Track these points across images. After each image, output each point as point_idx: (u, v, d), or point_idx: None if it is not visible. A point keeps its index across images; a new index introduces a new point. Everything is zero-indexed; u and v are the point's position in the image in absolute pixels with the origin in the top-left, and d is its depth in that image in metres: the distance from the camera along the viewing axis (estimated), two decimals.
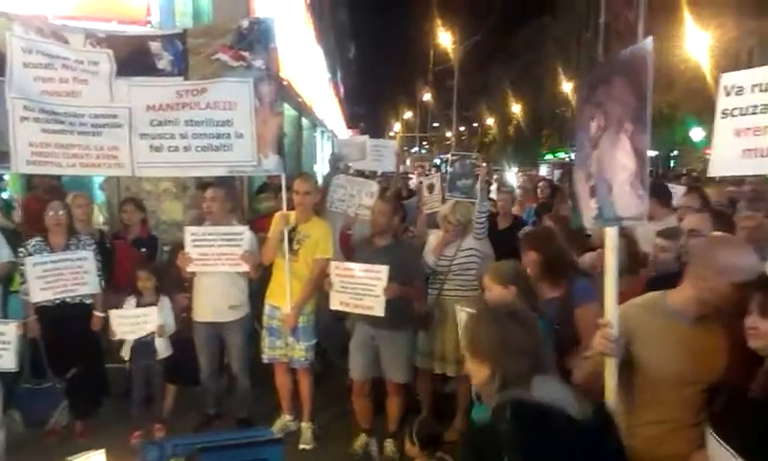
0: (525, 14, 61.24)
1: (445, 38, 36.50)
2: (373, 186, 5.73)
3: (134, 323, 4.68)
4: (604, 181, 2.41)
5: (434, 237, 4.92)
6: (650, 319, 2.43)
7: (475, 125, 67.56)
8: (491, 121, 62.05)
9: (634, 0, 13.46)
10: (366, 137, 6.81)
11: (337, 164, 6.12)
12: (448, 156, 6.59)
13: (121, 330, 4.68)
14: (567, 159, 38.68)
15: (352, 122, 48.38)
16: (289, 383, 4.90)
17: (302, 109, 14.69)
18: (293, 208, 4.71)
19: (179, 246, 4.83)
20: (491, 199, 7.25)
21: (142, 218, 5.65)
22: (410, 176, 13.75)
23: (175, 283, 4.97)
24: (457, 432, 4.71)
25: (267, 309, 4.80)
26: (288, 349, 4.74)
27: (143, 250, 5.46)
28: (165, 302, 4.83)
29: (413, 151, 53.93)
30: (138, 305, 4.78)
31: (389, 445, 4.61)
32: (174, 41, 4.36)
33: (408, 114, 69.07)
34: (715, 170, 2.99)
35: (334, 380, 5.51)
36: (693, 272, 2.38)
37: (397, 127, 70.25)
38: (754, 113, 2.75)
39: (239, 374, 4.92)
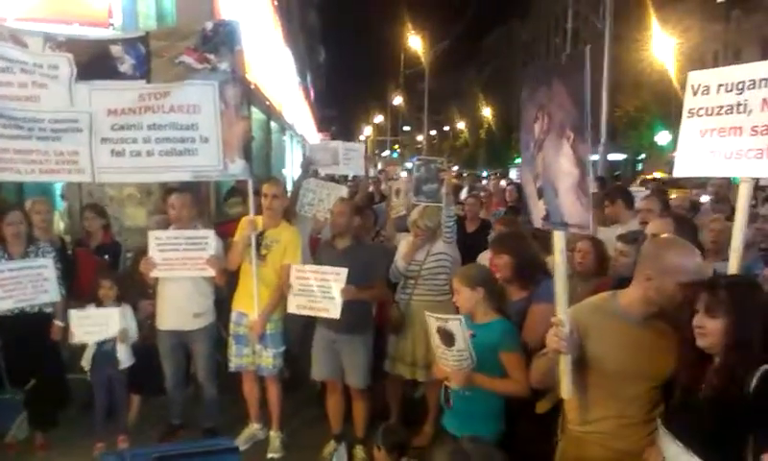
0: (495, 20, 62.08)
1: (416, 42, 36.65)
2: (343, 191, 5.71)
3: (95, 324, 4.54)
4: (550, 184, 2.45)
5: (404, 243, 4.93)
6: (601, 318, 2.52)
7: (446, 128, 68.04)
8: (462, 125, 62.56)
9: (601, 6, 13.73)
10: (339, 142, 6.79)
11: (308, 169, 6.09)
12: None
13: (80, 332, 4.52)
14: None
15: (323, 125, 48.36)
16: (257, 392, 4.83)
17: (271, 112, 14.60)
18: (262, 213, 4.66)
19: (142, 252, 4.73)
20: (459, 203, 7.32)
21: (104, 224, 5.52)
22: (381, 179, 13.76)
23: (139, 290, 4.87)
24: (427, 437, 4.72)
25: (234, 316, 4.72)
26: (256, 356, 4.67)
27: (106, 257, 5.34)
28: (127, 310, 4.71)
29: (384, 154, 54.08)
30: None
31: (358, 451, 4.59)
32: (136, 44, 4.26)
33: (379, 118, 69.26)
34: (680, 170, 2.97)
35: (304, 388, 5.45)
36: (640, 272, 2.46)
37: (369, 130, 70.42)
38: (719, 114, 2.70)
39: (205, 383, 4.82)
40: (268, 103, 12.95)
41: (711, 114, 2.73)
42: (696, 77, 2.87)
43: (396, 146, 65.65)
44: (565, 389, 2.44)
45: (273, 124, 16.46)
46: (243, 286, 4.68)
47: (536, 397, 3.12)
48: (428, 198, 5.28)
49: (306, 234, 5.25)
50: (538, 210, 2.62)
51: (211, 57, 4.20)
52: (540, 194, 2.56)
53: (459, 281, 3.33)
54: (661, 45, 21.07)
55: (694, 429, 2.02)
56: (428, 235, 4.79)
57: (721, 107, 2.68)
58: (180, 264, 4.53)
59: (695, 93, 2.84)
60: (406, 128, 68.69)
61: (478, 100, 54.64)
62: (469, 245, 5.42)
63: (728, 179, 5.30)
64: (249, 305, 4.59)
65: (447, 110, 63.53)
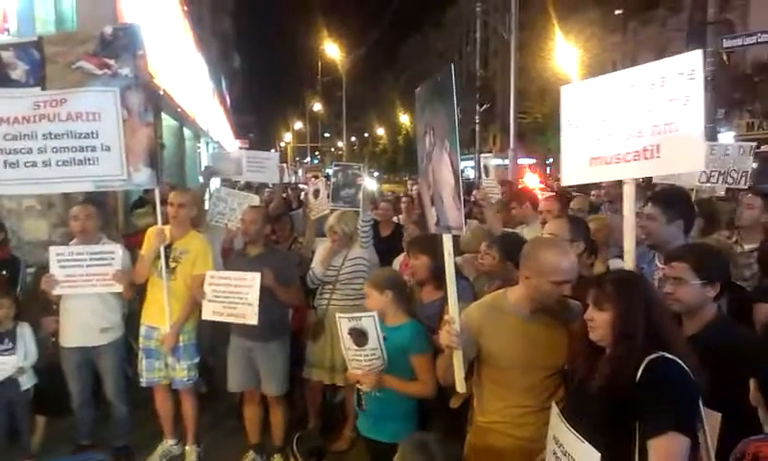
0: (411, 28, 63.21)
1: (333, 50, 36.71)
2: (255, 200, 5.65)
3: None
4: (438, 192, 2.61)
5: (321, 248, 4.94)
6: (493, 314, 2.69)
7: (366, 135, 68.46)
8: (381, 131, 63.17)
9: (506, 18, 14.33)
10: (242, 151, 6.73)
11: (209, 179, 5.99)
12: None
13: None
14: None
15: (241, 132, 47.37)
16: (170, 406, 4.70)
17: (184, 118, 14.19)
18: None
19: (44, 268, 4.50)
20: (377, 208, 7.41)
21: (1, 239, 5.19)
22: (300, 186, 13.69)
23: (41, 306, 4.62)
24: (347, 441, 4.76)
25: (143, 330, 4.57)
26: (168, 370, 4.55)
27: (3, 272, 5.01)
28: (25, 329, 4.44)
29: (305, 161, 53.69)
30: None
31: (276, 460, 4.56)
32: (29, 50, 4.05)
33: (299, 125, 68.73)
34: (567, 179, 3.09)
35: (221, 399, 5.35)
36: (521, 271, 2.64)
37: (288, 137, 69.73)
38: (594, 123, 2.81)
39: (114, 400, 4.63)
40: (179, 109, 12.56)
41: (588, 124, 2.84)
42: (570, 90, 3.00)
43: (317, 152, 65.38)
44: (459, 382, 2.54)
45: (186, 130, 16.00)
46: (152, 299, 4.54)
47: (448, 393, 3.23)
48: (346, 203, 5.36)
49: (218, 244, 5.16)
50: (431, 217, 2.77)
51: (111, 62, 4.06)
52: (433, 201, 2.70)
53: (368, 286, 3.41)
54: (564, 55, 22.18)
55: (587, 417, 2.13)
56: (345, 240, 4.83)
57: (596, 115, 2.80)
58: (84, 281, 4.35)
59: (570, 105, 2.96)
60: (326, 134, 68.51)
61: (396, 107, 55.34)
62: (384, 249, 5.51)
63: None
64: (159, 319, 4.45)
65: (366, 117, 63.95)
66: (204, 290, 4.27)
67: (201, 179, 6.40)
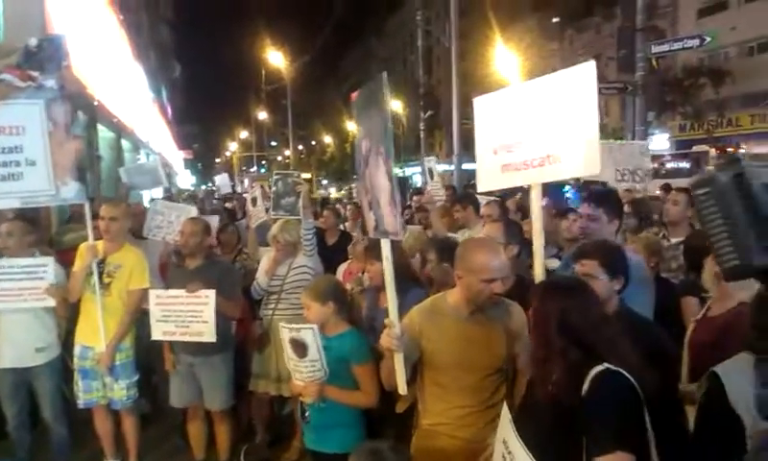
0: (354, 37, 63.42)
1: (277, 58, 36.40)
2: (192, 211, 5.54)
3: None
4: (375, 197, 2.65)
5: (265, 258, 4.89)
6: (433, 317, 2.74)
7: (313, 143, 68.11)
8: (328, 139, 62.99)
9: (447, 27, 14.56)
10: (157, 162, 6.62)
11: (127, 195, 5.84)
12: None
13: None
14: (401, 174, 40.51)
15: (185, 143, 46.43)
16: (111, 426, 4.55)
17: (122, 130, 13.78)
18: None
19: None
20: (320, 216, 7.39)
21: None
22: (245, 196, 13.50)
23: None
24: (296, 452, 4.71)
25: (77, 350, 4.40)
26: (106, 390, 4.40)
27: None
28: None
29: (251, 170, 52.94)
30: None
31: None
32: None
33: (244, 134, 67.77)
34: (482, 186, 3.19)
35: (165, 417, 5.21)
36: (456, 272, 2.71)
37: (234, 146, 68.67)
38: (503, 131, 2.91)
39: (52, 422, 4.46)
40: (116, 120, 12.20)
41: (498, 133, 2.95)
42: (480, 102, 3.09)
43: (264, 161, 64.57)
44: (401, 385, 2.57)
45: (124, 142, 15.54)
46: (85, 318, 4.38)
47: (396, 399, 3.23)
48: (286, 211, 5.32)
49: (156, 258, 5.03)
50: (370, 221, 2.79)
51: (36, 74, 3.92)
52: (371, 206, 2.73)
53: (309, 297, 3.33)
54: (505, 62, 22.70)
55: (537, 426, 2.13)
56: (289, 249, 4.79)
57: (505, 124, 2.91)
58: (15, 295, 4.19)
59: (482, 116, 3.06)
60: (273, 143, 67.80)
61: (341, 114, 55.38)
62: (330, 257, 5.49)
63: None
64: (93, 338, 4.31)
65: (312, 125, 63.67)
66: (152, 310, 4.17)
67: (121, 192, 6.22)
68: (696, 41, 12.45)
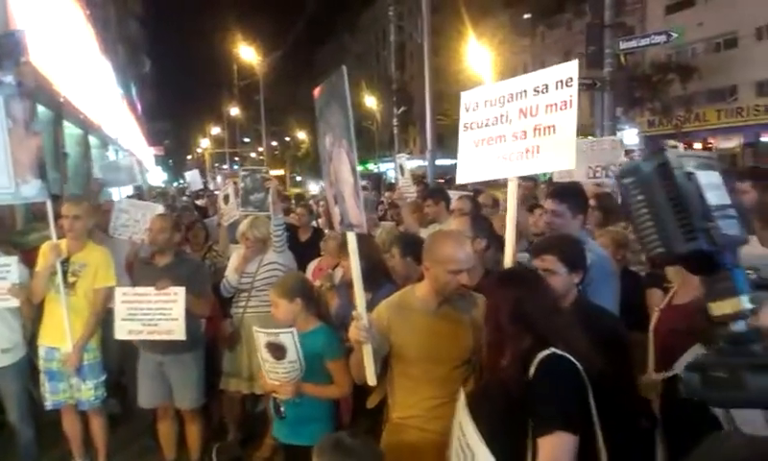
0: (327, 32, 63.17)
1: (249, 53, 36.07)
2: (159, 209, 5.46)
3: None
4: (339, 191, 2.68)
5: (235, 255, 4.85)
6: (401, 310, 2.75)
7: (287, 139, 67.68)
8: (302, 135, 62.66)
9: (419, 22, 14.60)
10: (134, 158, 6.54)
11: (99, 193, 5.75)
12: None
13: None
14: (375, 170, 40.52)
15: (156, 139, 45.72)
16: (79, 427, 4.49)
17: (89, 126, 13.51)
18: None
19: None
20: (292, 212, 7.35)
21: None
22: (217, 193, 13.36)
23: None
24: (269, 449, 4.68)
25: (43, 352, 4.32)
26: (74, 390, 4.33)
27: None
28: None
29: (224, 167, 52.39)
30: None
31: None
32: None
33: (217, 130, 67.01)
34: (462, 178, 3.31)
35: (135, 418, 5.14)
36: (423, 263, 2.74)
37: (206, 143, 67.88)
38: (487, 126, 3.06)
39: (19, 424, 4.38)
40: (83, 116, 11.96)
41: (481, 127, 3.09)
42: (467, 96, 3.22)
43: (237, 158, 63.98)
44: (370, 376, 2.58)
45: (92, 139, 15.24)
46: (50, 318, 4.30)
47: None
48: (255, 208, 5.28)
49: (122, 257, 4.94)
50: (335, 216, 2.82)
51: None
52: (336, 200, 2.75)
53: (277, 294, 3.34)
54: (478, 58, 22.84)
55: (488, 409, 2.18)
56: (259, 246, 4.76)
57: (488, 119, 3.05)
58: None
59: (467, 110, 3.19)
60: (246, 139, 67.16)
61: (315, 110, 54.93)
62: (303, 253, 5.46)
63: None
64: (59, 339, 4.23)
65: (286, 121, 63.25)
66: (117, 308, 4.09)
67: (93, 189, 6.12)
68: (663, 38, 12.68)
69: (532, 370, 2.09)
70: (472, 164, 3.13)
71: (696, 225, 0.90)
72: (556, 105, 2.71)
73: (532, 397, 2.07)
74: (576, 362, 2.08)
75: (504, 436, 2.05)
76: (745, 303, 0.90)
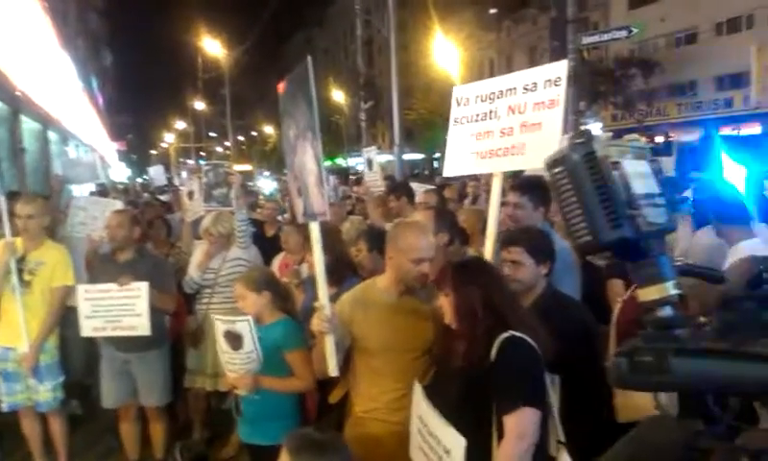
0: (294, 26, 62.66)
1: (214, 46, 35.52)
2: (117, 205, 5.36)
3: None
4: (303, 182, 2.71)
5: (198, 252, 4.79)
6: (363, 302, 2.77)
7: (254, 134, 66.98)
8: (270, 129, 62.08)
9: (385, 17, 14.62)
10: (96, 155, 6.43)
11: (62, 189, 5.62)
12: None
13: None
14: (344, 164, 40.44)
15: (118, 134, 44.82)
16: (39, 428, 4.39)
17: (48, 121, 13.17)
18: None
19: None
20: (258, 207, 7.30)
21: None
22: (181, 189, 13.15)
23: None
24: (234, 447, 4.65)
25: None
26: (31, 392, 4.23)
27: None
28: None
29: (189, 162, 51.67)
30: None
31: None
32: None
33: (182, 124, 65.92)
34: (449, 171, 3.35)
35: (98, 418, 5.05)
36: (387, 253, 2.76)
37: (171, 137, 66.75)
38: (476, 121, 3.11)
39: None
40: (42, 111, 11.65)
41: (471, 121, 3.15)
42: (459, 91, 3.28)
43: (202, 153, 63.06)
44: (331, 367, 2.58)
45: (51, 134, 14.87)
46: (5, 318, 4.19)
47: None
48: (219, 203, 5.22)
49: (81, 256, 4.82)
50: (298, 207, 2.83)
51: None
52: (299, 192, 2.76)
53: (244, 287, 3.31)
54: (444, 53, 22.94)
55: (447, 397, 2.24)
56: (222, 242, 4.71)
57: (477, 114, 3.11)
58: None
59: (458, 104, 3.25)
60: (212, 134, 66.23)
61: (279, 104, 54.36)
62: (269, 248, 5.43)
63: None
64: (14, 339, 4.12)
65: (253, 115, 62.59)
66: (80, 306, 4.01)
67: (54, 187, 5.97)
68: (624, 32, 12.97)
69: (493, 352, 2.15)
70: (460, 158, 3.18)
71: (621, 213, 0.93)
72: (543, 103, 2.78)
73: (495, 378, 2.13)
74: (533, 343, 2.16)
75: (466, 423, 2.09)
76: (670, 288, 0.94)
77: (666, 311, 0.94)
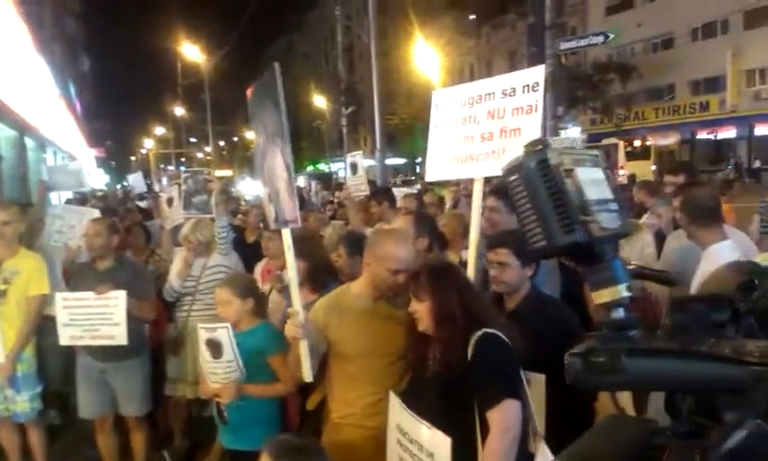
0: (275, 31, 62.51)
1: (193, 51, 35.27)
2: (95, 213, 5.32)
3: None
4: (273, 188, 2.70)
5: (178, 259, 4.76)
6: (337, 307, 2.76)
7: (235, 139, 66.62)
8: (251, 135, 61.77)
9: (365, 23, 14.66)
10: (80, 163, 6.38)
11: (48, 196, 5.57)
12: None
13: None
14: (327, 169, 40.41)
15: (97, 140, 44.31)
16: (17, 439, 4.35)
17: (25, 128, 12.99)
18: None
19: None
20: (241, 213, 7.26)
21: None
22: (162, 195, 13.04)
23: None
24: (217, 454, 4.62)
25: None
26: (8, 402, 4.18)
27: None
28: None
29: (170, 168, 51.22)
30: None
31: None
32: None
33: (161, 130, 65.35)
34: (430, 176, 3.36)
35: (77, 428, 4.99)
36: (365, 259, 2.77)
37: (150, 143, 66.13)
38: (456, 125, 3.13)
39: None
40: (18, 117, 11.49)
41: (450, 126, 3.16)
42: (438, 95, 3.30)
43: (183, 159, 62.54)
44: (306, 372, 2.58)
45: (28, 141, 14.66)
46: None
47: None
48: (198, 210, 5.20)
49: (58, 265, 4.77)
50: (270, 213, 2.81)
51: None
52: (270, 198, 2.76)
53: (230, 292, 3.29)
54: (425, 58, 23.07)
55: (425, 402, 2.25)
56: (202, 249, 4.69)
57: (458, 119, 3.12)
58: None
59: (438, 108, 3.26)
60: (192, 140, 65.72)
61: (248, 110, 54.11)
62: (250, 255, 5.42)
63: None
64: None
65: (234, 120, 62.28)
66: (58, 314, 3.97)
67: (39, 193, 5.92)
68: (600, 38, 13.16)
69: (470, 350, 2.18)
70: (441, 163, 3.19)
71: (574, 218, 0.96)
72: (522, 108, 2.80)
73: (474, 375, 2.15)
74: (506, 339, 2.20)
75: (448, 426, 2.10)
76: (623, 291, 0.98)
77: (619, 313, 0.98)
